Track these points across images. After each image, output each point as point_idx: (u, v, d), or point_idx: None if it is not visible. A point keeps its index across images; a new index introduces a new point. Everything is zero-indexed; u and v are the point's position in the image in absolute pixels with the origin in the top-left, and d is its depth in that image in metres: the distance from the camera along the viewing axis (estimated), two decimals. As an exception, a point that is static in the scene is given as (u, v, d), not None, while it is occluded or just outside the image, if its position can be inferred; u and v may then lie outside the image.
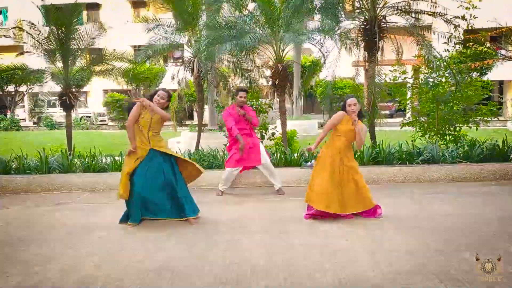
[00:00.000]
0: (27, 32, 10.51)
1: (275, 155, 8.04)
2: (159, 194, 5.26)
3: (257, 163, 6.83)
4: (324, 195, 5.21)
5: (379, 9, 9.42)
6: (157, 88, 5.52)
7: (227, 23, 9.76)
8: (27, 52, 10.90)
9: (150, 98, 5.33)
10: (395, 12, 9.66)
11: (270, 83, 10.14)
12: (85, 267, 3.93)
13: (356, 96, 5.55)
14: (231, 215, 5.68)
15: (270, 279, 3.59)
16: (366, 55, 9.59)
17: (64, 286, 3.54)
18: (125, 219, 5.36)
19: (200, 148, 9.94)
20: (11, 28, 11.06)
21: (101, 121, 29.28)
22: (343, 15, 9.96)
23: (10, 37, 11.00)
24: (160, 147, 5.29)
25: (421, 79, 9.93)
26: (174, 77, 12.03)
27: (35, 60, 11.16)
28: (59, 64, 10.47)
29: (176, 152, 5.83)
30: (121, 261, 4.07)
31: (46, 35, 10.26)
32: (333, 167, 5.28)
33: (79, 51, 10.47)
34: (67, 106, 10.37)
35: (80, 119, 27.42)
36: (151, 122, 5.27)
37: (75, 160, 8.15)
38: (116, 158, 8.16)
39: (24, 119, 33.02)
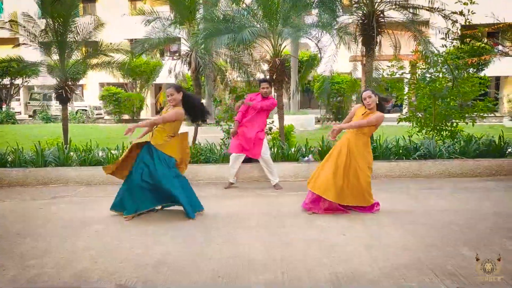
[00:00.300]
0: (21, 25, 10.42)
1: (273, 149, 8.03)
2: (155, 187, 5.25)
3: (256, 156, 6.84)
4: (323, 182, 5.28)
5: (377, 3, 9.40)
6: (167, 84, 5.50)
7: (224, 16, 9.71)
8: (23, 44, 10.83)
9: None
10: (393, 7, 9.63)
11: (267, 77, 10.10)
12: (82, 261, 3.92)
13: (373, 88, 5.53)
14: (228, 209, 5.67)
15: (268, 273, 3.60)
16: (364, 50, 9.57)
17: (60, 280, 3.53)
18: (117, 208, 5.36)
19: (197, 142, 9.92)
20: (6, 22, 10.96)
21: (97, 114, 29.13)
22: (340, 10, 9.93)
23: (6, 29, 10.92)
24: (156, 144, 5.23)
25: (418, 75, 9.94)
26: (171, 71, 12.00)
27: (31, 53, 11.09)
28: (55, 57, 10.41)
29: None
30: (118, 255, 4.06)
31: (42, 28, 10.19)
32: (338, 159, 5.29)
33: (76, 44, 10.41)
34: (63, 99, 10.32)
35: (76, 112, 27.30)
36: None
37: (71, 153, 8.12)
38: (113, 151, 8.14)
39: (20, 112, 32.87)
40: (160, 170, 5.16)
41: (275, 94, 9.93)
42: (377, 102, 5.32)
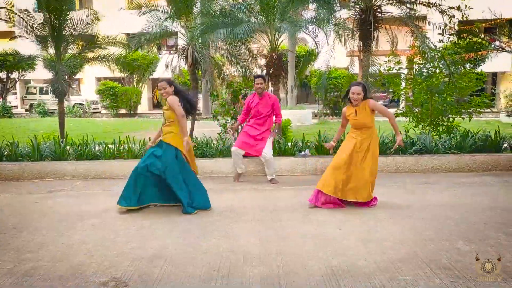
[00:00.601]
0: (18, 14, 10.33)
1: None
2: (156, 181, 5.28)
3: (258, 153, 6.78)
4: (323, 177, 5.38)
5: (374, -2, 9.40)
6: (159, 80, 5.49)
7: (221, 11, 9.68)
8: (19, 36, 10.74)
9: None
10: (390, 1, 9.64)
11: (264, 72, 10.09)
12: (78, 255, 3.92)
13: (365, 83, 5.49)
14: (225, 203, 5.67)
15: (263, 267, 3.60)
16: (361, 45, 9.57)
17: (56, 273, 3.52)
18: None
19: (194, 136, 9.92)
20: (1, 8, 10.81)
21: (94, 108, 29.07)
22: (338, 5, 9.92)
23: (3, 20, 10.81)
24: (165, 138, 5.29)
25: (415, 70, 9.94)
26: (168, 66, 11.96)
27: (26, 46, 11.02)
28: (52, 51, 10.34)
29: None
30: (114, 249, 4.06)
31: (39, 21, 10.11)
32: (342, 155, 5.31)
33: (72, 38, 10.34)
34: (60, 93, 10.26)
35: (73, 106, 27.23)
36: (164, 115, 5.33)
37: (68, 147, 8.11)
38: (110, 146, 8.13)
39: (16, 106, 32.76)
40: (166, 161, 5.18)
41: (272, 88, 9.93)
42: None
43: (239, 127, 7.77)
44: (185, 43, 11.11)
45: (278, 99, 7.17)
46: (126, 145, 8.06)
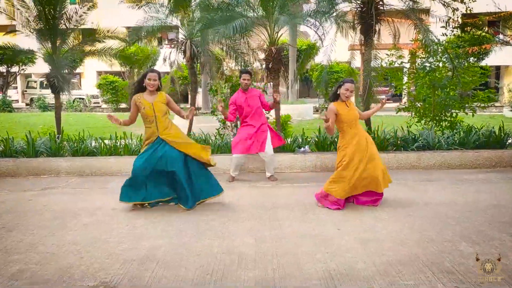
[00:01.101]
0: (13, 6, 10.13)
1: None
2: (157, 177, 5.17)
3: (261, 149, 6.53)
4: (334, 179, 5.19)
5: (376, -9, 9.19)
6: (146, 70, 5.28)
7: (219, 4, 9.48)
8: (17, 30, 10.56)
9: (140, 84, 5.16)
10: (392, -6, 9.43)
11: (264, 66, 9.90)
12: (67, 256, 3.79)
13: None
14: (222, 201, 5.54)
15: (258, 270, 3.46)
16: (363, 39, 9.38)
17: (43, 277, 3.39)
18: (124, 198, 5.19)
19: (192, 132, 9.76)
20: None
21: (94, 103, 28.91)
22: (339, -3, 9.73)
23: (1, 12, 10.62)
24: (168, 135, 5.14)
25: (418, 64, 9.75)
26: (166, 59, 11.79)
27: (25, 40, 10.85)
28: (49, 45, 10.16)
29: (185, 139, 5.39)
30: (106, 250, 3.93)
31: (35, 14, 9.92)
32: (350, 153, 5.12)
33: (69, 31, 10.14)
34: (56, 88, 10.08)
35: (73, 101, 27.07)
36: (154, 109, 5.11)
37: (64, 143, 7.98)
38: (106, 141, 8.00)
39: (17, 100, 32.64)
40: (171, 155, 5.09)
41: (271, 83, 9.76)
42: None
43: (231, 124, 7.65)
44: (184, 37, 10.94)
45: (260, 92, 6.99)
46: (123, 141, 7.93)
